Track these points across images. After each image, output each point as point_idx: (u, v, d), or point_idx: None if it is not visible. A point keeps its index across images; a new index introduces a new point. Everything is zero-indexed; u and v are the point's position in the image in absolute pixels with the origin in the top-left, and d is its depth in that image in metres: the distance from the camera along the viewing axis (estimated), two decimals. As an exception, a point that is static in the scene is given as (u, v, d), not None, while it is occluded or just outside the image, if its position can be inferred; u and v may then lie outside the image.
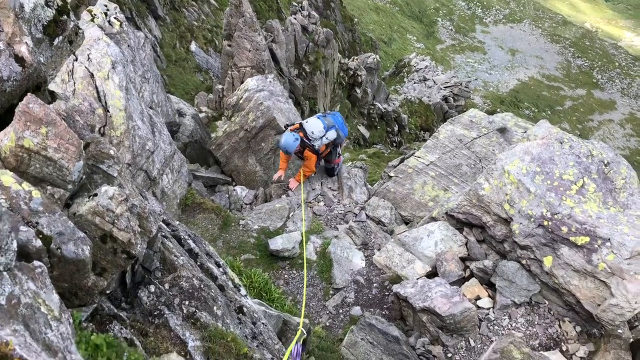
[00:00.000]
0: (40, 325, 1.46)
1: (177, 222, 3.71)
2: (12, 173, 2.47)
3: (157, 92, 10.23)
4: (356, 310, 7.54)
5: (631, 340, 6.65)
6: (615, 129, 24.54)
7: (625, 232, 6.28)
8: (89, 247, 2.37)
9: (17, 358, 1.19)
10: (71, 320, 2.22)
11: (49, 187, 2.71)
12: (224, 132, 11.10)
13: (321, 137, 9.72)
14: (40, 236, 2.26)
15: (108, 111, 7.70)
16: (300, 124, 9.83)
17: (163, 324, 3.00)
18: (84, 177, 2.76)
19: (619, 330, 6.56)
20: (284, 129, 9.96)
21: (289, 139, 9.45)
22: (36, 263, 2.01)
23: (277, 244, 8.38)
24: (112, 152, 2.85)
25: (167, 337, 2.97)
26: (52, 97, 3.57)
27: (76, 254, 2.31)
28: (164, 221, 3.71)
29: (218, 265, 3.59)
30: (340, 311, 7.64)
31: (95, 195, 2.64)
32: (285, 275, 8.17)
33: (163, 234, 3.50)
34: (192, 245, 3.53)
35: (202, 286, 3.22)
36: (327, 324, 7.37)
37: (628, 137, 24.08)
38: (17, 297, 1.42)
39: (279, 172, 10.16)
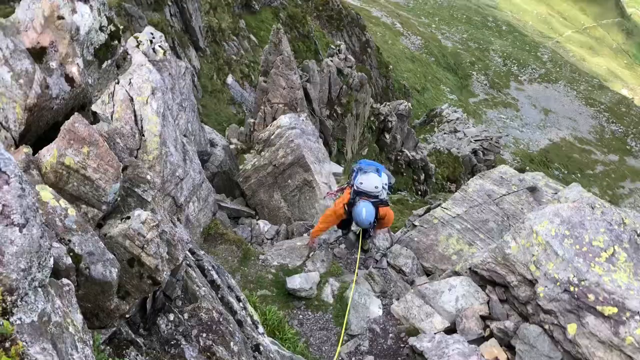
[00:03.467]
0: (67, 346, 1.45)
1: (202, 252, 3.71)
2: (51, 189, 2.52)
3: (192, 121, 10.44)
4: (369, 359, 7.36)
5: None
6: (646, 198, 24.02)
7: (655, 307, 6.05)
8: (116, 270, 2.38)
9: (43, 378, 1.18)
10: (91, 342, 2.21)
11: (83, 206, 2.75)
12: (252, 165, 11.22)
13: (385, 185, 8.66)
14: (71, 254, 2.28)
15: (143, 135, 7.87)
16: (349, 185, 8.70)
17: (179, 355, 2.97)
18: (118, 199, 2.80)
19: (643, 410, 6.25)
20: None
21: (368, 207, 8.03)
22: (64, 281, 2.02)
23: (295, 282, 8.31)
24: (148, 177, 2.89)
25: (182, 368, 2.93)
26: (95, 117, 3.67)
27: (104, 275, 2.32)
28: (189, 250, 3.71)
29: (238, 300, 3.57)
30: (353, 359, 7.47)
31: (128, 218, 2.67)
32: (300, 316, 8.05)
33: (188, 262, 3.50)
34: (215, 276, 3.52)
35: (221, 320, 3.19)
36: (338, 371, 7.20)
37: (659, 208, 23.53)
38: (49, 314, 1.42)
39: (315, 239, 9.14)
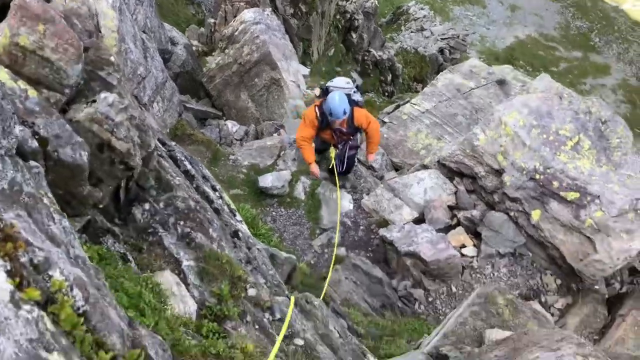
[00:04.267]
0: (43, 217, 1.38)
1: (174, 143, 3.60)
2: (7, 69, 2.33)
3: (151, 17, 9.85)
4: (341, 250, 7.59)
5: (607, 296, 6.83)
6: (607, 94, 24.49)
7: (615, 191, 6.33)
8: (86, 153, 2.26)
9: (23, 241, 1.11)
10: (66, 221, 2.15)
11: (44, 91, 2.57)
12: (217, 64, 10.81)
13: (355, 88, 7.95)
14: (37, 137, 2.15)
15: (100, 32, 7.39)
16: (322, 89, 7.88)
17: (157, 242, 2.94)
18: (81, 82, 2.62)
19: (597, 286, 6.72)
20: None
21: (341, 94, 7.29)
22: (33, 163, 1.90)
23: (266, 181, 8.32)
24: (112, 58, 2.70)
25: (161, 255, 2.91)
26: None
27: (73, 158, 2.21)
28: (159, 140, 3.59)
29: (214, 189, 3.52)
30: (326, 251, 7.69)
31: (94, 101, 2.51)
32: (273, 213, 8.15)
33: (159, 152, 3.39)
34: (189, 166, 3.44)
35: (198, 207, 3.15)
36: (312, 262, 7.42)
37: (619, 103, 24.10)
38: (20, 184, 1.33)
39: (313, 165, 7.99)
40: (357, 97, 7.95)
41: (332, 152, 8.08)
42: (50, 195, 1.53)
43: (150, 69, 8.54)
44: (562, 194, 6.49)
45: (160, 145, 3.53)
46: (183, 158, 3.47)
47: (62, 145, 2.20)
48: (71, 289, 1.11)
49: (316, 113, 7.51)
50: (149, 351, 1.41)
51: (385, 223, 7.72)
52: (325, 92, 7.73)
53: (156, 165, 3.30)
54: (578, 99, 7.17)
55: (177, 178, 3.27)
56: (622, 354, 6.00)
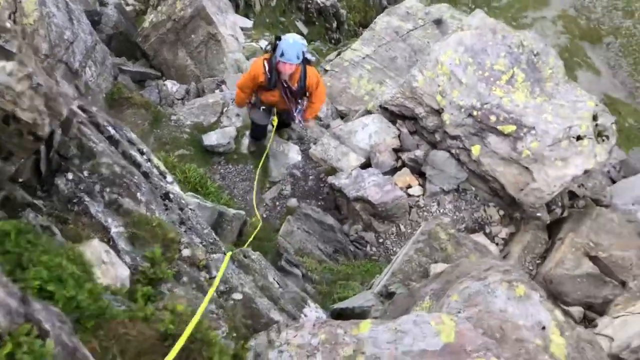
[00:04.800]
0: None
1: (95, 109, 3.48)
2: None
3: (72, -24, 9.30)
4: (292, 201, 7.66)
5: (548, 221, 7.16)
6: (547, 26, 24.82)
7: (549, 121, 6.53)
8: (-14, 127, 2.17)
9: None
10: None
11: (-64, 65, 2.43)
12: (150, 22, 10.41)
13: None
14: None
15: (16, -4, 6.97)
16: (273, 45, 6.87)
17: (83, 211, 2.89)
18: (-24, 53, 2.48)
19: (538, 214, 7.02)
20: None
21: (298, 41, 6.68)
22: None
23: (211, 139, 8.21)
24: (8, 24, 2.55)
25: (88, 224, 2.87)
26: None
27: (-27, 134, 2.12)
28: (80, 107, 3.47)
29: (141, 153, 3.45)
30: (277, 203, 7.74)
31: (-8, 72, 2.39)
32: (221, 170, 8.10)
33: (79, 120, 3.28)
34: (112, 132, 3.35)
35: (124, 172, 3.09)
36: (264, 216, 7.47)
37: (559, 34, 24.46)
38: None
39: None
40: (310, 56, 7.60)
41: (275, 120, 7.59)
42: None
43: (78, 33, 8.14)
44: (499, 127, 6.66)
45: (81, 112, 3.41)
46: (106, 123, 3.37)
47: (-42, 122, 2.10)
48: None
49: (264, 67, 6.73)
50: (44, 325, 1.41)
51: (333, 171, 7.79)
52: (277, 40, 6.79)
53: (77, 133, 3.20)
54: (510, 32, 7.26)
55: (100, 144, 3.18)
56: (562, 275, 6.38)
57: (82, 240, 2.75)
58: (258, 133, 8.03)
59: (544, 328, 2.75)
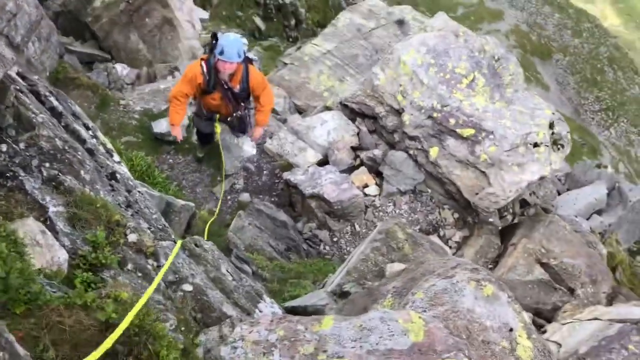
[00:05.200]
0: None
1: (36, 77, 3.15)
2: None
3: (19, -54, 8.71)
4: (245, 196, 7.40)
5: (500, 227, 7.20)
6: (500, 39, 25.51)
7: (507, 126, 6.56)
8: None
9: None
10: None
11: None
12: (102, 2, 9.88)
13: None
14: None
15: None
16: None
17: (17, 187, 2.58)
18: None
19: (491, 219, 7.05)
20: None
21: (238, 39, 6.15)
22: None
23: (162, 127, 7.84)
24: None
25: (23, 201, 2.56)
26: None
27: None
28: (19, 74, 3.14)
29: (87, 128, 3.15)
30: (229, 197, 7.47)
31: None
32: (170, 160, 7.75)
33: (18, 87, 2.96)
34: (55, 103, 3.04)
35: (66, 147, 2.79)
36: (214, 210, 7.17)
37: (511, 48, 25.18)
38: None
39: (175, 128, 6.71)
40: (252, 56, 7.19)
41: (218, 127, 7.04)
42: None
43: (22, 5, 7.60)
44: (458, 130, 6.63)
45: (20, 79, 3.08)
46: (48, 93, 3.05)
47: None
48: None
49: (202, 68, 6.15)
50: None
51: (289, 166, 7.58)
52: (214, 39, 6.21)
53: (14, 102, 2.87)
54: (473, 36, 7.28)
55: (41, 115, 2.87)
56: (513, 280, 6.41)
57: (14, 218, 2.44)
58: (205, 142, 7.58)
59: (511, 330, 2.64)
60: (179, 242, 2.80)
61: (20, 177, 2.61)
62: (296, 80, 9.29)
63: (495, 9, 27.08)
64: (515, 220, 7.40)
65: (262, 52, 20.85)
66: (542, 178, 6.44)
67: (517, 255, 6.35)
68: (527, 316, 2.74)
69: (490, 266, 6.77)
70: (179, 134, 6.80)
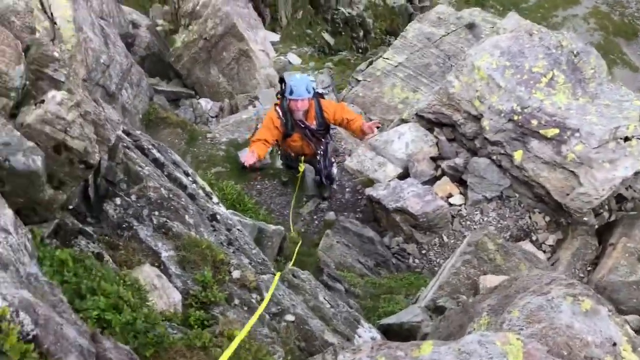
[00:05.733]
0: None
1: (139, 132, 3.49)
2: (-59, 80, 2.21)
3: (107, 2, 9.53)
4: (330, 215, 7.58)
5: (596, 226, 6.90)
6: (579, 24, 24.30)
7: (593, 122, 6.31)
8: (40, 157, 2.17)
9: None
10: (30, 236, 2.07)
11: (-11, 97, 2.45)
12: (182, 42, 10.56)
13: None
14: (-17, 148, 2.06)
15: (55, 23, 7.14)
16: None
17: (133, 237, 2.88)
18: (27, 83, 2.50)
19: (585, 218, 6.77)
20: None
21: (304, 76, 6.45)
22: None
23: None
24: (56, 54, 2.57)
25: (139, 249, 2.86)
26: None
27: (27, 165, 2.11)
28: (124, 131, 3.49)
29: (187, 175, 3.44)
30: (315, 217, 7.68)
31: (43, 102, 2.40)
32: (258, 186, 8.09)
33: (125, 144, 3.29)
34: (157, 154, 3.35)
35: (171, 196, 3.07)
36: (302, 230, 7.41)
37: (592, 31, 23.89)
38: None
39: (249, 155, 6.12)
40: (322, 90, 7.21)
41: (302, 167, 7.18)
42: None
43: (114, 56, 8.31)
44: (541, 131, 6.46)
45: (125, 136, 3.43)
46: (150, 147, 3.37)
47: (12, 153, 2.10)
48: (17, 314, 1.05)
49: (277, 112, 6.32)
50: (116, 363, 1.37)
51: (370, 182, 7.69)
52: (282, 82, 6.52)
53: (123, 158, 3.20)
54: (548, 34, 7.07)
55: (147, 168, 3.18)
56: (615, 282, 6.11)
57: (133, 265, 2.73)
58: (289, 168, 7.75)
59: (614, 344, 2.59)
60: (277, 275, 2.99)
61: (134, 227, 2.91)
62: (370, 95, 9.41)
63: (569, -8, 25.91)
64: (612, 217, 7.05)
65: (334, 68, 21.18)
66: (637, 173, 6.12)
67: (617, 255, 6.06)
68: (630, 329, 2.67)
69: (589, 268, 6.50)
70: (249, 159, 6.13)
